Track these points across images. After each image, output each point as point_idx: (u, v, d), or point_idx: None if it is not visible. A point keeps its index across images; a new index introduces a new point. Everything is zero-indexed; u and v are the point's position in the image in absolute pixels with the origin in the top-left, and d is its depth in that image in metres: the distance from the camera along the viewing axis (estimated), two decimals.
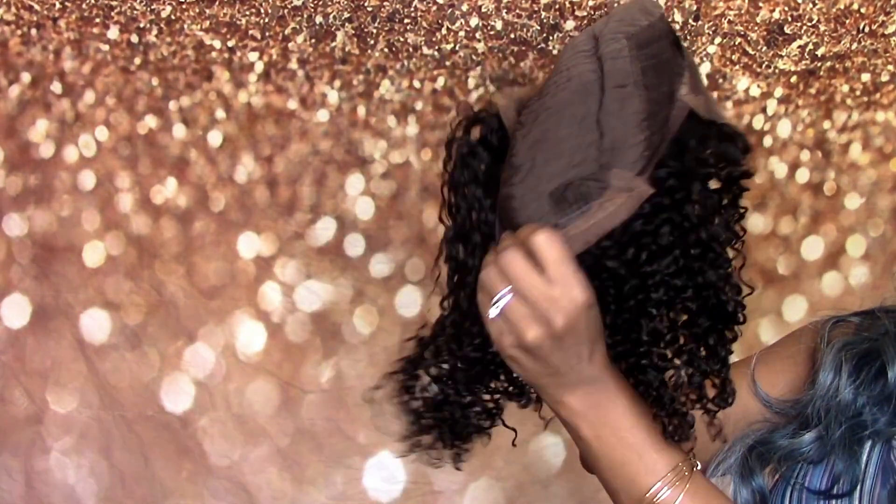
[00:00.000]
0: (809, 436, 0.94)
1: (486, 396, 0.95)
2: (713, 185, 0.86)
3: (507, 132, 0.89)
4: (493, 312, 0.83)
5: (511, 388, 0.95)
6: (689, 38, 1.89)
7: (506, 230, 0.87)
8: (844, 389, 0.93)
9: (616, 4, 1.86)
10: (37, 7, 1.94)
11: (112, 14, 1.93)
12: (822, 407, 0.94)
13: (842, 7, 1.86)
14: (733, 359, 0.92)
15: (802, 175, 1.99)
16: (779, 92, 1.94)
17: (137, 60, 1.96)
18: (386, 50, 1.93)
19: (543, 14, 1.88)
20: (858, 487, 0.90)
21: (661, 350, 0.86)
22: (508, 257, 0.81)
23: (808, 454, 0.93)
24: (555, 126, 0.84)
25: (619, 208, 0.82)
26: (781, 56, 1.91)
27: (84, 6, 1.93)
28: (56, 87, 1.99)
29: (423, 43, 1.92)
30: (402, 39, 1.92)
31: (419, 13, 1.90)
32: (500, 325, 0.83)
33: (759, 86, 1.93)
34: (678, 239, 0.84)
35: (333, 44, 1.93)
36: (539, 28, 1.89)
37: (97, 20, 1.94)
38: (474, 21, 1.90)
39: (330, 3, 1.90)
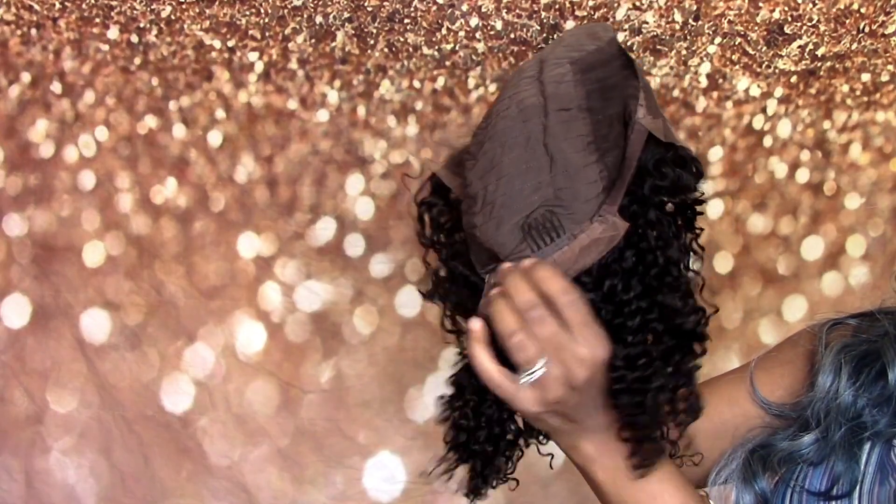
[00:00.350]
0: (809, 437, 0.94)
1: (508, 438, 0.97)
2: (669, 208, 0.88)
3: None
4: (525, 381, 0.83)
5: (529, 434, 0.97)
6: (689, 37, 1.89)
7: (481, 260, 0.88)
8: (844, 391, 0.93)
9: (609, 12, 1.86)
10: (37, 7, 1.94)
11: (112, 14, 1.93)
12: (821, 409, 0.94)
13: (842, 7, 1.86)
14: (732, 364, 0.93)
15: (802, 175, 1.99)
16: (779, 92, 1.94)
17: (137, 60, 1.96)
18: (386, 50, 1.93)
19: (543, 14, 1.88)
20: (857, 488, 0.90)
21: (634, 374, 0.87)
22: (540, 319, 0.82)
23: (808, 456, 0.93)
24: (500, 153, 0.85)
25: (595, 242, 0.84)
26: (781, 56, 1.91)
27: (84, 6, 1.93)
28: (56, 87, 1.99)
29: (423, 43, 1.92)
30: (402, 39, 1.92)
31: (419, 13, 1.90)
32: (530, 393, 0.84)
33: (759, 86, 1.93)
34: (640, 263, 0.86)
35: (333, 44, 1.93)
36: (539, 28, 1.89)
37: (97, 20, 1.94)
38: (474, 21, 1.90)
39: (330, 3, 1.90)
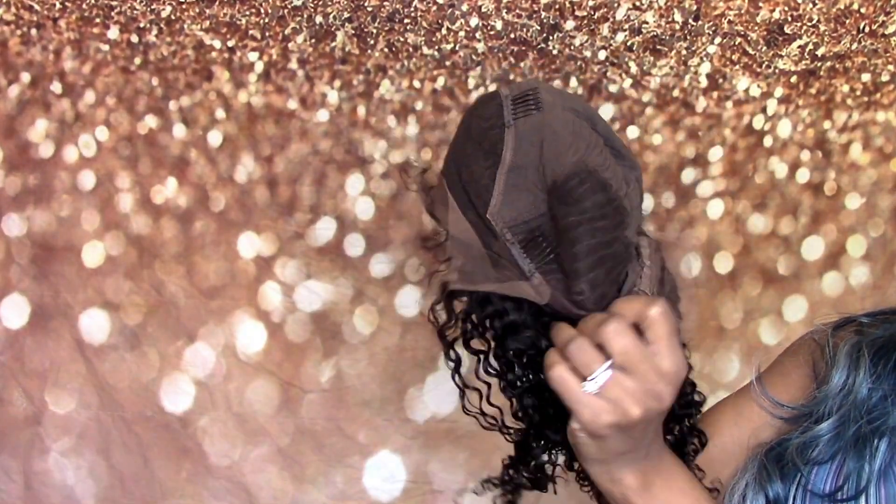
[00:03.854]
0: (825, 426, 0.92)
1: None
2: None
3: None
4: (590, 388, 0.77)
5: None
6: (689, 37, 1.89)
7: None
8: (860, 386, 0.92)
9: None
10: (37, 7, 1.93)
11: (112, 14, 1.93)
12: (834, 405, 0.93)
13: (842, 7, 1.87)
14: (733, 364, 0.92)
15: (803, 175, 1.99)
16: (779, 92, 1.94)
17: (137, 60, 1.96)
18: (386, 50, 1.93)
19: (543, 14, 1.88)
20: (866, 489, 0.88)
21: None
22: (615, 329, 0.77)
23: (821, 448, 0.92)
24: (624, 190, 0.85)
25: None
26: (781, 56, 1.91)
27: (84, 6, 1.92)
28: (56, 87, 1.99)
29: (423, 43, 1.92)
30: (402, 39, 1.92)
31: (419, 13, 1.90)
32: (597, 403, 0.78)
33: (759, 86, 1.93)
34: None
35: (333, 44, 1.93)
36: (539, 28, 1.89)
37: (97, 20, 1.93)
38: (474, 21, 1.90)
39: (330, 3, 1.89)
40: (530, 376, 0.87)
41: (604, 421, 0.78)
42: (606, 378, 0.77)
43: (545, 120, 0.82)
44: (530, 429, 0.90)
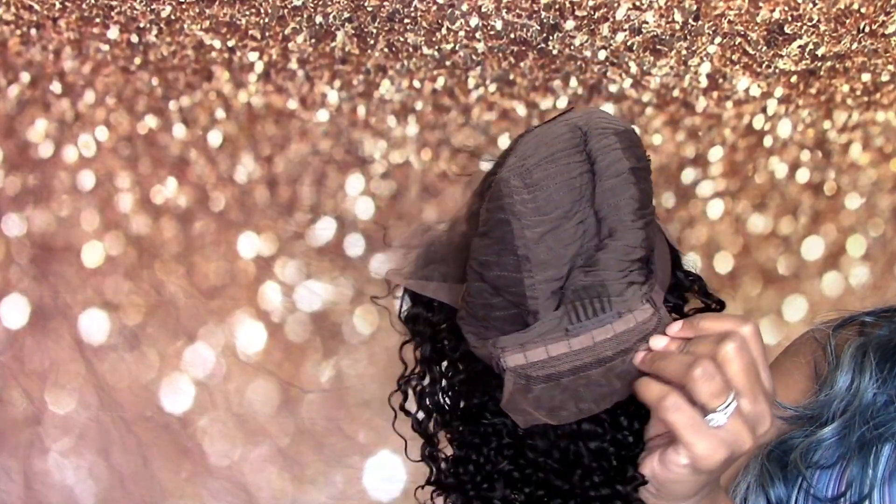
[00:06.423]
0: (829, 430, 0.91)
1: None
2: None
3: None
4: (719, 420, 0.71)
5: None
6: (689, 37, 1.89)
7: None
8: (866, 389, 0.91)
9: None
10: (37, 7, 1.93)
11: (112, 14, 1.93)
12: (839, 407, 0.92)
13: (842, 7, 1.87)
14: None
15: (803, 175, 1.99)
16: (779, 92, 1.94)
17: (137, 60, 1.96)
18: (386, 50, 1.93)
19: (543, 14, 1.88)
20: (871, 491, 0.88)
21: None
22: (737, 349, 0.71)
23: (825, 453, 0.91)
24: (561, 222, 0.79)
25: (639, 327, 0.77)
26: (781, 56, 1.91)
27: (84, 6, 1.93)
28: (56, 87, 1.99)
29: (423, 43, 1.92)
30: (402, 39, 1.92)
31: (419, 13, 1.90)
32: (717, 437, 0.71)
33: (759, 86, 1.93)
34: None
35: (333, 44, 1.93)
36: (539, 28, 1.89)
37: (97, 20, 1.94)
38: (474, 21, 1.90)
39: (330, 3, 1.90)
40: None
41: (720, 456, 0.72)
42: (733, 409, 0.71)
43: (535, 129, 0.82)
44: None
